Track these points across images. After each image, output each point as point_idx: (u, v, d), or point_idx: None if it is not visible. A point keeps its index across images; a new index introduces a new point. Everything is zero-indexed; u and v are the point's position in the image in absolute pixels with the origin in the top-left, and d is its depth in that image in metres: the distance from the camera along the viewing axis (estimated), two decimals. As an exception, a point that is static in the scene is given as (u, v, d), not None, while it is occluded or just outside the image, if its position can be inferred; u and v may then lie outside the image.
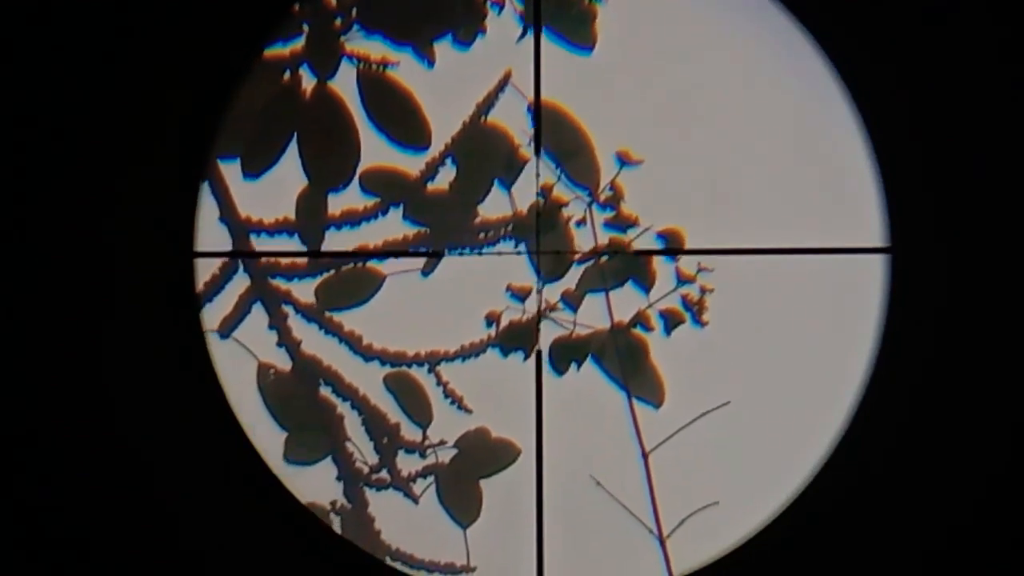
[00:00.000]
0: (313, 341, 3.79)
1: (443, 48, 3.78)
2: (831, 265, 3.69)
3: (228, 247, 3.78)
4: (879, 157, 3.63)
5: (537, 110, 3.72)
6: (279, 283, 3.78)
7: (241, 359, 3.77)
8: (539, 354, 3.73)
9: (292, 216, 3.78)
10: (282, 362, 3.78)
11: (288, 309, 3.78)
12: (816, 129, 3.71)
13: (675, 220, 3.74)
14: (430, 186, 3.78)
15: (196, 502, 3.61)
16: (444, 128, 3.78)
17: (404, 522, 3.78)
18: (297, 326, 3.78)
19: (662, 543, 3.72)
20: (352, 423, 3.78)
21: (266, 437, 3.75)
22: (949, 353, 3.59)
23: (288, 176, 3.78)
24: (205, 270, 3.73)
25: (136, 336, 3.61)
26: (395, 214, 3.79)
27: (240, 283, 3.79)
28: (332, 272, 3.78)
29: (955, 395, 3.59)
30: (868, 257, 3.67)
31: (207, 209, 3.77)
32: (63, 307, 3.61)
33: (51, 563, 3.60)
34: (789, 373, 3.71)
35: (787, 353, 3.71)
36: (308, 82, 3.79)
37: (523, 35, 3.76)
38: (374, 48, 3.79)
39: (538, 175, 3.73)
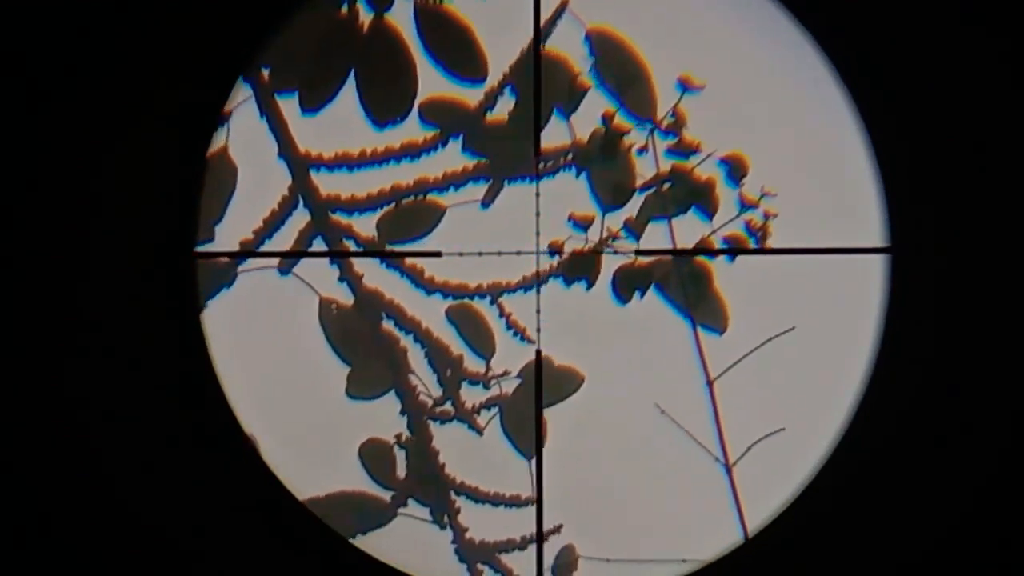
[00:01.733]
0: (375, 275, 3.78)
1: (499, -23, 3.77)
2: (831, 265, 3.68)
3: (285, 185, 3.78)
4: (879, 157, 3.62)
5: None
6: (340, 217, 3.78)
7: (303, 295, 3.77)
8: (538, 354, 3.73)
9: (352, 151, 3.77)
10: (344, 297, 3.78)
11: (349, 243, 3.78)
12: (816, 129, 3.69)
13: (738, 146, 3.73)
14: (489, 116, 3.77)
15: (196, 502, 3.61)
16: (502, 58, 3.76)
17: (468, 454, 3.78)
18: (359, 260, 3.78)
19: (728, 471, 3.72)
20: (415, 356, 3.78)
21: (329, 372, 3.75)
22: (949, 353, 3.59)
23: (347, 110, 3.77)
24: (206, 270, 3.72)
25: (136, 336, 3.60)
26: (454, 145, 3.78)
27: (300, 218, 3.79)
28: (393, 205, 3.77)
29: (955, 395, 3.59)
30: (868, 257, 3.66)
31: (267, 147, 3.77)
32: (62, 307, 3.61)
33: (49, 563, 3.60)
34: (788, 372, 3.70)
35: (787, 352, 3.70)
36: (365, 16, 3.78)
37: (578, -37, 3.75)
38: (430, -21, 3.79)
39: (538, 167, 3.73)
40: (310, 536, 3.65)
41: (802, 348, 3.71)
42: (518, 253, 3.73)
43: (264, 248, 3.76)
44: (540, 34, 3.74)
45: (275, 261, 3.76)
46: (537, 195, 3.73)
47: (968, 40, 3.61)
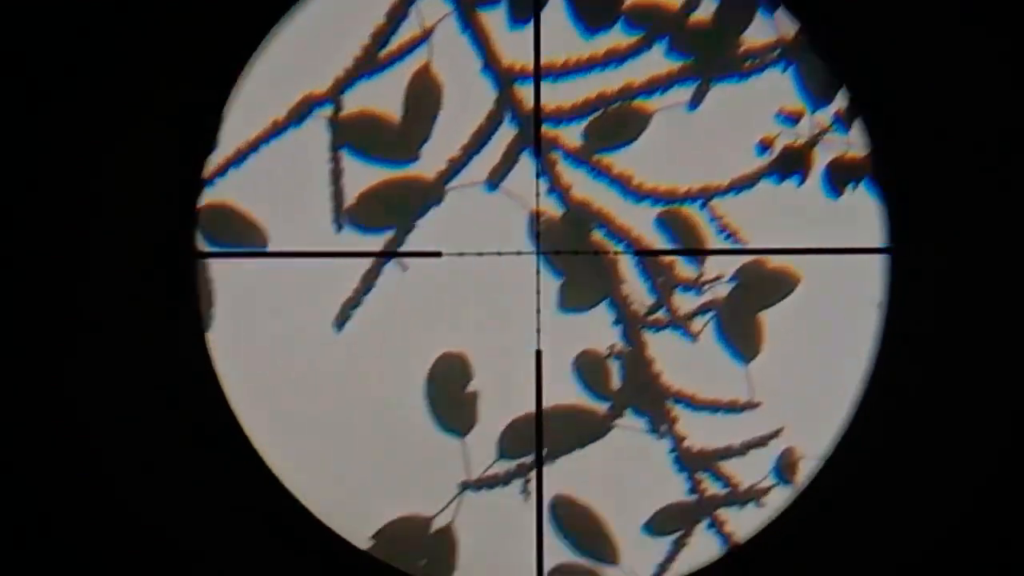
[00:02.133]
0: (583, 185, 3.78)
1: None
2: (831, 265, 3.65)
3: (491, 100, 3.79)
4: (879, 157, 3.59)
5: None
6: (547, 129, 3.79)
7: (512, 209, 3.79)
8: (539, 354, 3.71)
9: (555, 60, 3.78)
10: (553, 209, 3.79)
11: (557, 154, 3.78)
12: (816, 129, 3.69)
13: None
14: (693, 17, 3.76)
15: (196, 502, 3.61)
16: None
17: (684, 361, 3.76)
18: (566, 171, 3.79)
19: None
20: (626, 264, 3.77)
21: (542, 287, 3.75)
22: (949, 353, 3.58)
23: (553, 20, 3.78)
24: (213, 268, 3.71)
25: (136, 336, 3.61)
26: (658, 48, 3.78)
27: (506, 133, 3.80)
28: (600, 113, 3.77)
29: (955, 395, 3.58)
30: (868, 257, 3.64)
31: (471, 62, 3.79)
32: (62, 307, 3.61)
33: (49, 563, 3.61)
34: (788, 373, 3.68)
35: (786, 352, 3.68)
36: (569, -78, 3.79)
37: None
38: None
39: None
40: (310, 536, 3.65)
41: (801, 348, 3.68)
42: (518, 253, 3.71)
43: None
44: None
45: (482, 176, 3.77)
46: (537, 194, 3.71)
47: (968, 40, 3.60)
